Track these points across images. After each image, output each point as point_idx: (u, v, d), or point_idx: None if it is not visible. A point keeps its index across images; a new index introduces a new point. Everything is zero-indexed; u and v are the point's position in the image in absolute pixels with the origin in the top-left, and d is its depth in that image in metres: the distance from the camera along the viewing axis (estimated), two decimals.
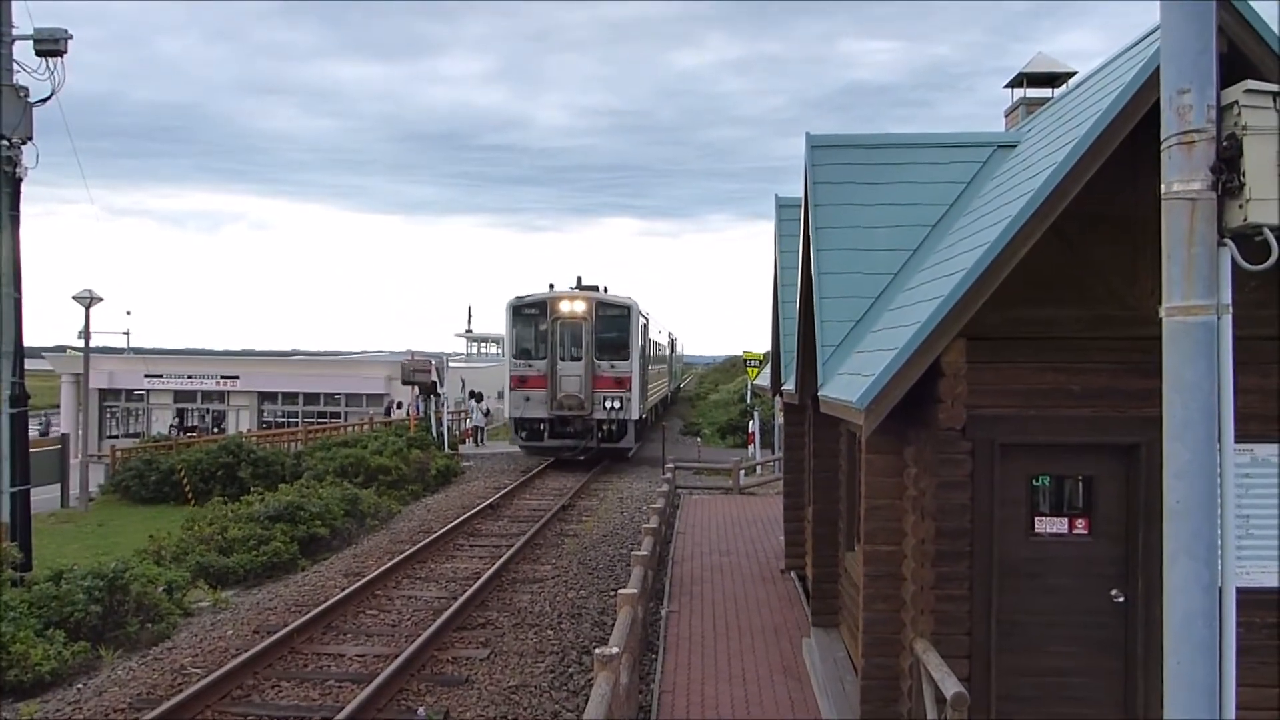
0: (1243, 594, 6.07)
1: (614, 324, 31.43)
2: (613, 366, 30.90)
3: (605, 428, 31.00)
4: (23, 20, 15.52)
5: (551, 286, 32.30)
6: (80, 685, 10.60)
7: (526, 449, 32.62)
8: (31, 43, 15.13)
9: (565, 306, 30.94)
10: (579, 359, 30.86)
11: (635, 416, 31.37)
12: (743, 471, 26.44)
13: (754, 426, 34.24)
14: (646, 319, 34.85)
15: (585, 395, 30.58)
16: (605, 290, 33.21)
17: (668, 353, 50.81)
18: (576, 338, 31.07)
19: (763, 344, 31.32)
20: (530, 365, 30.86)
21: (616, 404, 30.67)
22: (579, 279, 33.86)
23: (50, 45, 15.11)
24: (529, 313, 31.26)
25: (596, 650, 7.06)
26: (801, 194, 10.56)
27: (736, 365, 65.20)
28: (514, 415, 31.29)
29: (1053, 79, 11.75)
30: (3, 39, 15.03)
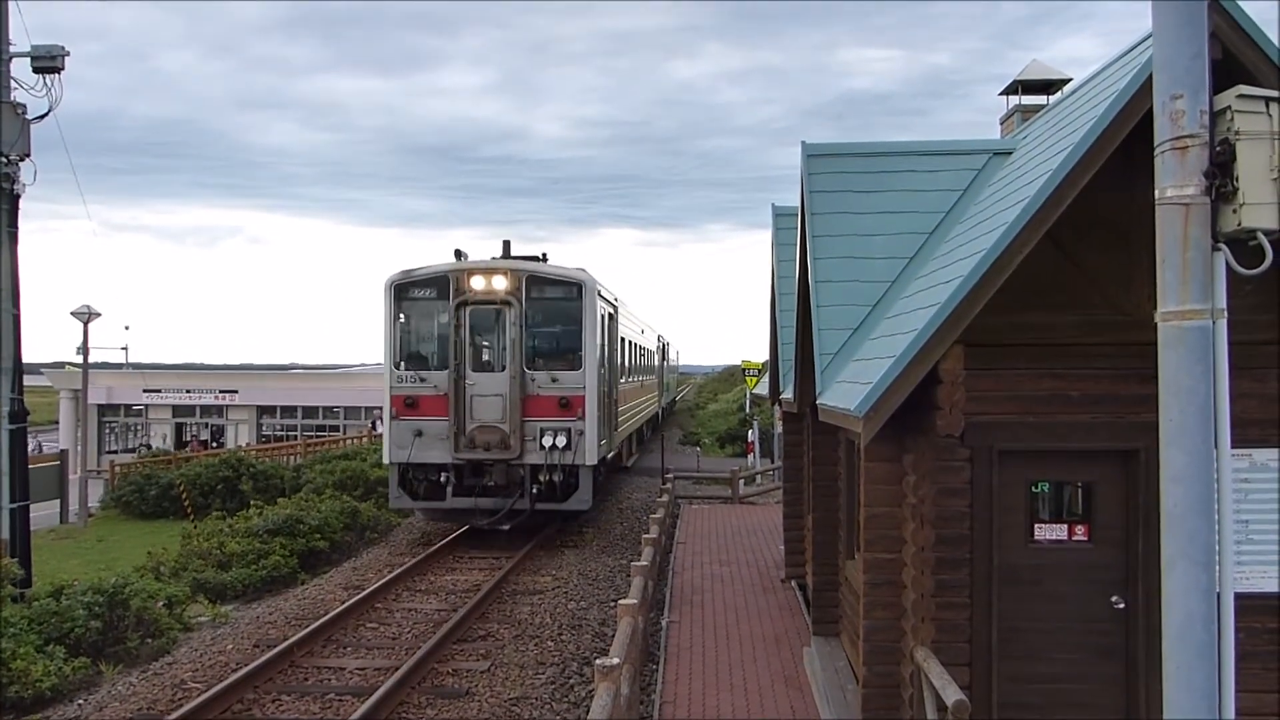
0: (1242, 599, 6.09)
1: (557, 311, 19.08)
2: (555, 380, 18.45)
3: (544, 479, 18.36)
4: (20, 38, 15.56)
5: (459, 255, 19.39)
6: (81, 701, 10.57)
7: (421, 513, 20.81)
8: (29, 60, 15.19)
9: (479, 284, 18.46)
10: (500, 368, 18.58)
11: (591, 459, 18.46)
12: (742, 480, 26.41)
13: (753, 435, 34.22)
14: (614, 308, 21.99)
15: (511, 427, 18.22)
16: (545, 260, 20.27)
17: (657, 360, 38.84)
18: (496, 335, 18.87)
19: (761, 353, 30.13)
20: (422, 379, 18.56)
21: (561, 439, 18.14)
22: (506, 245, 20.32)
23: (47, 62, 15.18)
24: (420, 296, 19.03)
25: (597, 661, 7.04)
26: (798, 203, 10.58)
27: (735, 374, 65.22)
28: (396, 460, 18.49)
29: (1047, 86, 11.79)
30: (1, 57, 15.08)
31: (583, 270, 19.66)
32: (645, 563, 11.44)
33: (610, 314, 21.45)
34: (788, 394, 12.44)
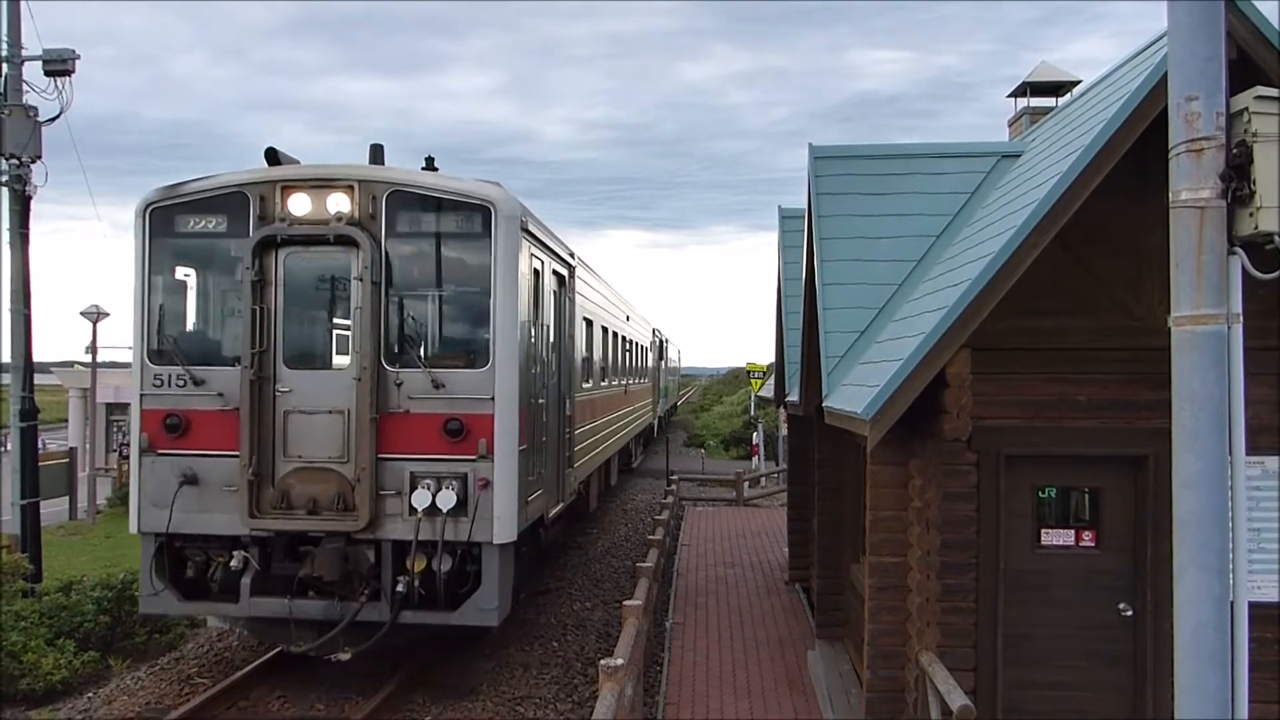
0: (1251, 609, 6.03)
1: (444, 259, 10.18)
2: (439, 385, 9.64)
3: (415, 569, 9.53)
4: (32, 41, 15.62)
5: (274, 158, 10.26)
6: (90, 694, 10.59)
7: (198, 619, 12.62)
8: (41, 63, 15.26)
9: (301, 207, 9.84)
10: (338, 363, 10.23)
11: (505, 531, 9.71)
12: (746, 483, 26.36)
13: (758, 438, 34.16)
14: (566, 267, 13.06)
15: (356, 470, 9.68)
16: (433, 167, 10.84)
17: (650, 359, 30.68)
18: (331, 301, 10.24)
19: (767, 355, 29.81)
20: (196, 382, 10.05)
21: (448, 496, 9.46)
22: (376, 151, 10.75)
23: (59, 65, 15.23)
24: (198, 230, 10.32)
25: (602, 662, 7.01)
26: (805, 205, 10.55)
27: (740, 377, 65.19)
28: (148, 528, 10.05)
29: (1057, 88, 11.74)
30: (12, 60, 15.13)
31: (499, 188, 9.91)
32: (650, 565, 11.40)
33: (557, 275, 12.31)
34: (793, 396, 12.40)
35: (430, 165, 10.66)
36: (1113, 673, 7.22)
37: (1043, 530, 7.31)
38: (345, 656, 9.87)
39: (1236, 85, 3.38)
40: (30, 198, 15.25)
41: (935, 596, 7.13)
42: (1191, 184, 3.29)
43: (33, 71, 15.42)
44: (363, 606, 9.56)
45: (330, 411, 9.78)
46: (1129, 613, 7.17)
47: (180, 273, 10.58)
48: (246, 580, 9.82)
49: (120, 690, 10.61)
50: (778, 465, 29.43)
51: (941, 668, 6.75)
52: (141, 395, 10.17)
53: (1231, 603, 3.38)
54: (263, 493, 9.81)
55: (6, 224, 15.15)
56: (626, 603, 9.10)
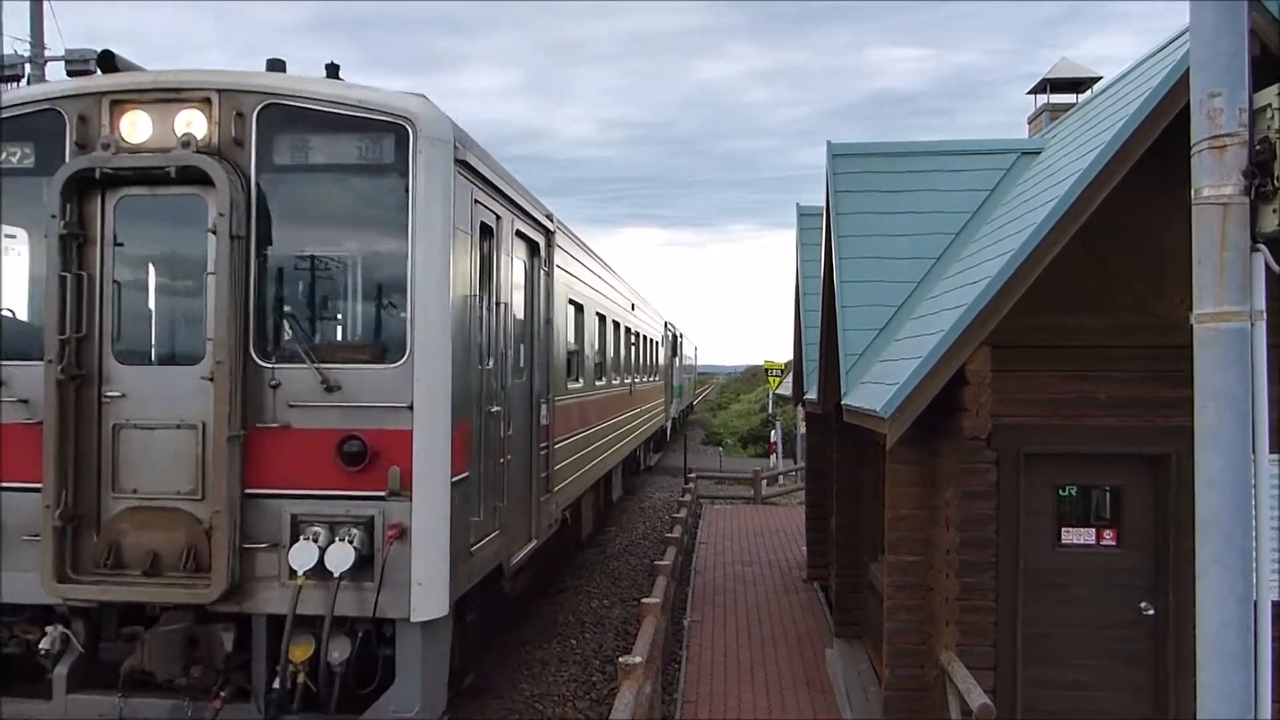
0: (1275, 608, 5.98)
1: (340, 203, 7.00)
2: (330, 388, 6.64)
3: (300, 656, 6.51)
4: (55, 41, 15.73)
5: (109, 63, 7.07)
6: None
7: None
8: (64, 63, 15.42)
9: (137, 129, 6.79)
10: (190, 355, 6.89)
11: (433, 604, 6.62)
12: (764, 481, 26.34)
13: (776, 436, 34.12)
14: (544, 231, 10.01)
15: (212, 511, 6.54)
16: (335, 74, 7.18)
17: (662, 355, 27.75)
18: (175, 265, 7.13)
19: (784, 353, 29.71)
20: None
21: (341, 552, 6.40)
22: (275, 64, 7.27)
23: (81, 66, 15.40)
24: None
25: (620, 659, 7.04)
26: (823, 203, 10.54)
27: (758, 375, 65.14)
28: None
29: (1077, 84, 11.68)
30: (35, 60, 15.30)
31: (420, 98, 7.01)
32: (668, 562, 11.41)
33: (527, 240, 9.37)
34: (812, 394, 12.39)
35: (333, 73, 7.21)
36: (1133, 672, 7.18)
37: (1063, 529, 7.29)
38: None
39: (1259, 82, 3.35)
40: None
41: (954, 595, 7.11)
42: (1214, 181, 3.27)
43: (55, 72, 15.60)
44: (220, 710, 6.59)
45: (179, 425, 6.73)
46: (1150, 612, 7.14)
47: None
48: (62, 669, 6.80)
49: None
50: (796, 463, 29.38)
51: (961, 666, 6.74)
52: None
53: (1255, 602, 3.37)
54: (81, 544, 6.75)
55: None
56: (645, 600, 9.11)
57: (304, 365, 6.69)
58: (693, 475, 24.94)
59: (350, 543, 6.49)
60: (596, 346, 14.73)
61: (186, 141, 6.70)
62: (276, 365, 6.75)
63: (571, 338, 12.31)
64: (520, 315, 9.32)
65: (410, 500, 6.60)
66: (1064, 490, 7.30)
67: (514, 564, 8.85)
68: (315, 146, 6.83)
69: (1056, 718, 7.19)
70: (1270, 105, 3.32)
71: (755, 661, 10.97)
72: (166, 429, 6.80)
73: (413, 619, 6.61)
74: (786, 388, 18.33)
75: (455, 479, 6.92)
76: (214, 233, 6.60)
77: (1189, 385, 3.51)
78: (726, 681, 10.28)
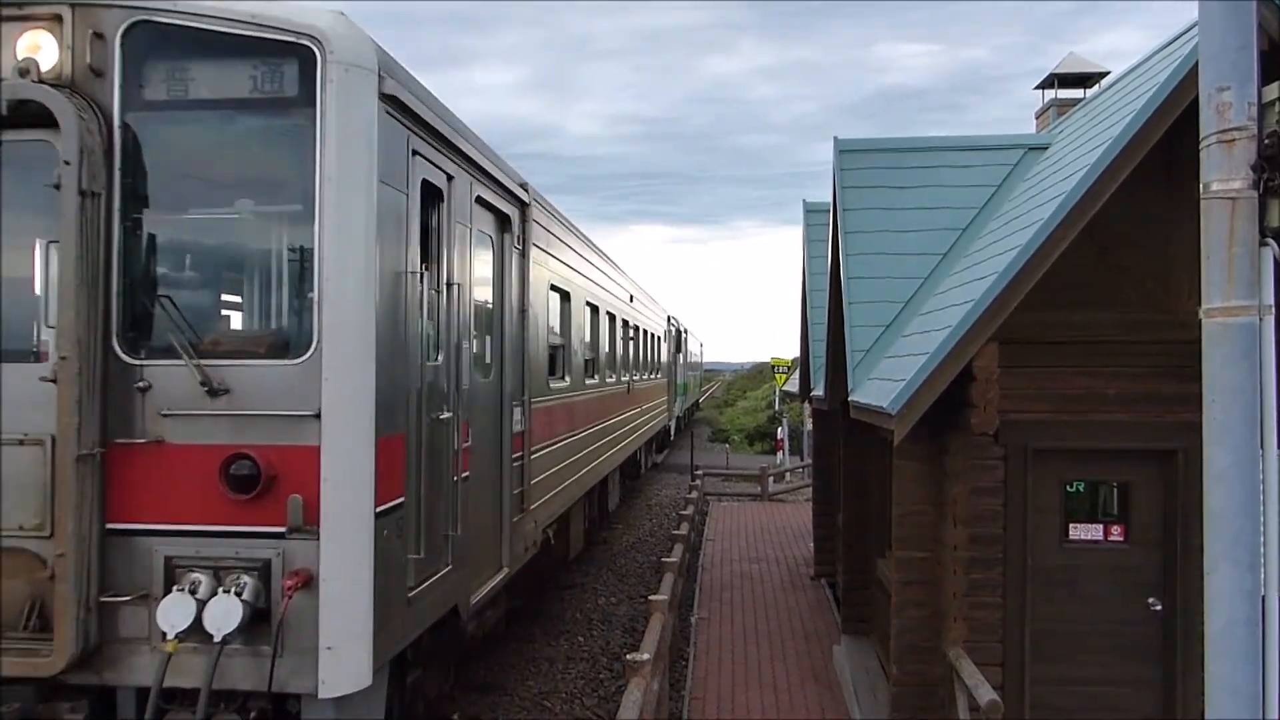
0: None
1: (232, 140, 5.43)
2: (213, 390, 5.17)
3: None
4: None
5: None
6: None
7: None
8: None
9: None
10: (26, 349, 5.43)
11: (346, 678, 5.05)
12: (771, 478, 26.33)
13: (783, 433, 34.11)
14: (520, 204, 8.62)
15: (56, 552, 4.99)
16: None
17: (664, 351, 26.16)
18: (15, 226, 5.36)
19: (791, 349, 29.65)
20: None
21: (227, 601, 4.96)
22: None
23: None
24: None
25: (628, 656, 7.04)
26: (830, 199, 10.52)
27: (764, 371, 65.07)
28: None
29: (1084, 79, 11.65)
30: None
31: (335, 14, 5.35)
32: (675, 559, 11.42)
33: (491, 210, 7.96)
34: (819, 391, 12.39)
35: None
36: (1141, 668, 7.17)
37: (1071, 525, 7.27)
38: None
39: (1268, 77, 3.34)
40: None
41: (962, 591, 7.10)
42: (1222, 175, 3.26)
43: None
44: None
45: (22, 441, 5.18)
46: (1158, 608, 7.12)
47: None
48: None
49: None
50: (802, 460, 29.36)
51: (969, 663, 6.73)
52: None
53: (1263, 598, 3.36)
54: None
55: None
56: (652, 598, 9.12)
57: (180, 362, 5.19)
58: (699, 472, 24.94)
59: (239, 594, 4.99)
60: (587, 340, 13.24)
61: (26, 69, 5.14)
62: (145, 362, 5.24)
63: (556, 330, 11.01)
64: (485, 301, 7.88)
65: (316, 538, 5.06)
66: (1072, 486, 7.29)
67: (475, 603, 7.28)
68: (197, 77, 5.28)
69: (1065, 714, 7.18)
70: (1278, 100, 3.31)
71: (763, 658, 10.97)
72: (10, 445, 5.17)
73: (322, 694, 5.02)
74: (793, 384, 18.32)
75: (383, 508, 5.36)
76: (60, 188, 5.01)
77: (1197, 381, 3.50)
78: (734, 678, 10.28)
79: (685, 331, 35.09)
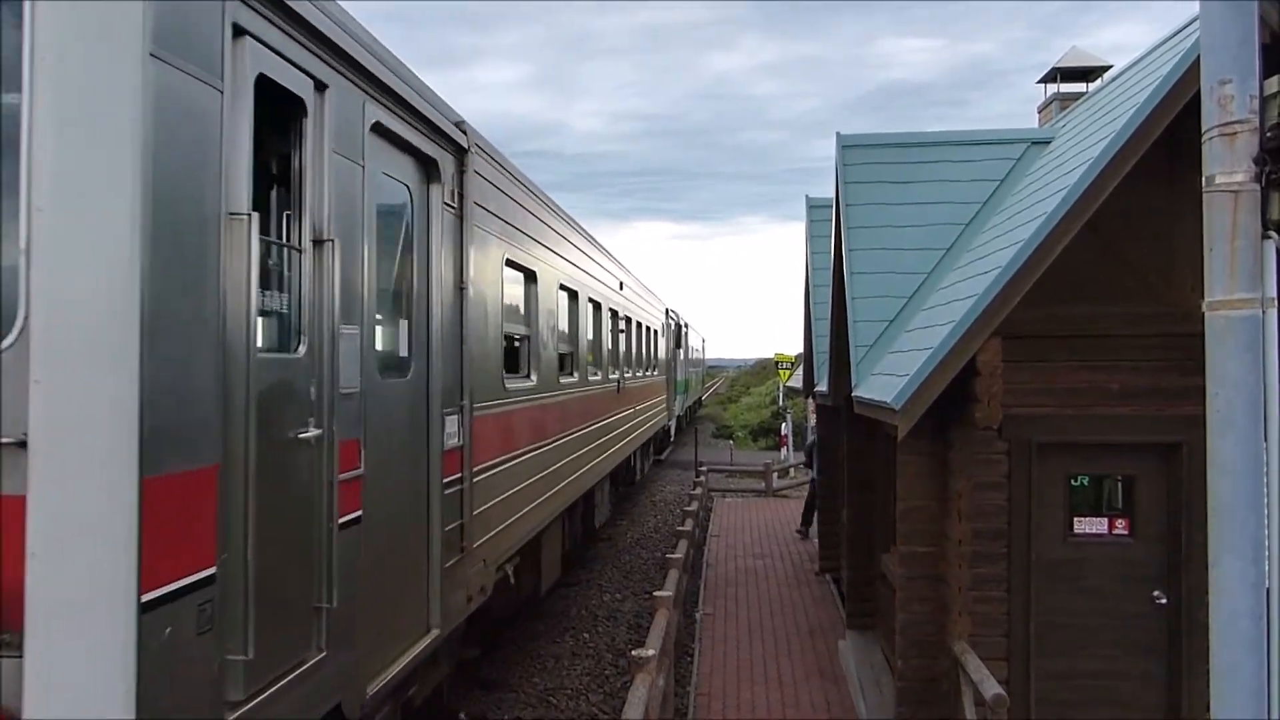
0: None
1: None
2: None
3: None
4: None
5: None
6: None
7: None
8: None
9: None
10: None
11: None
12: (775, 474, 26.33)
13: (786, 429, 34.10)
14: (457, 148, 6.74)
15: None
16: None
17: (662, 346, 24.78)
18: None
19: (794, 345, 29.63)
20: None
21: None
22: None
23: None
24: None
25: (633, 652, 7.06)
26: (833, 195, 10.53)
27: (768, 367, 64.99)
28: None
29: (1087, 73, 11.64)
30: None
31: None
32: (679, 556, 11.44)
33: (408, 149, 5.97)
34: (822, 387, 12.39)
35: None
36: (1146, 661, 7.18)
37: (1075, 519, 7.28)
38: None
39: (1269, 70, 3.34)
40: None
41: (966, 586, 7.11)
42: (1225, 168, 3.26)
43: None
44: None
45: None
46: (1163, 601, 7.13)
47: None
48: None
49: None
50: (802, 461, 29.36)
51: (974, 657, 6.74)
52: None
53: (1268, 590, 3.36)
54: None
55: None
56: (657, 594, 9.14)
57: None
58: (703, 469, 24.95)
59: None
60: (564, 331, 11.19)
61: None
62: None
63: (518, 316, 9.08)
64: (396, 273, 6.01)
65: (20, 654, 2.91)
66: (1076, 480, 7.30)
67: (378, 690, 5.42)
68: None
69: (1070, 708, 7.19)
70: None
71: (768, 654, 10.99)
72: None
73: None
74: (797, 380, 18.29)
75: (163, 591, 3.41)
76: None
77: (1201, 374, 3.51)
78: (739, 674, 10.30)
79: (686, 326, 33.25)
